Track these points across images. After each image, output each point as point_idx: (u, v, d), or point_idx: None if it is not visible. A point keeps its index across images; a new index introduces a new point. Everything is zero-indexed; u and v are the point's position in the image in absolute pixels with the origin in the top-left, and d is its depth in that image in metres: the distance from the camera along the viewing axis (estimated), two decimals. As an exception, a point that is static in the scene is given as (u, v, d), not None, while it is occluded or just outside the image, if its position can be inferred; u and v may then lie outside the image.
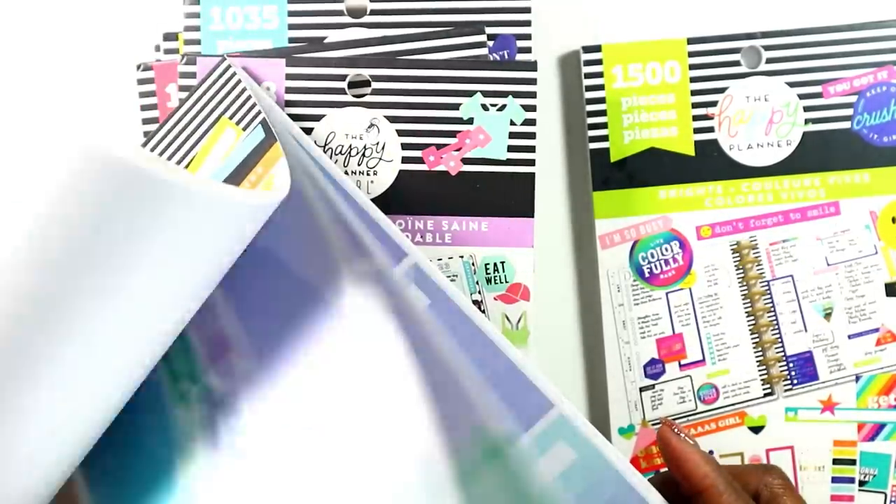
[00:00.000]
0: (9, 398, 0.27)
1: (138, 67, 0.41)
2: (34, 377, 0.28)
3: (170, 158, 0.38)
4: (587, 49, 0.42)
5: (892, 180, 0.42)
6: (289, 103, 0.40)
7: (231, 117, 0.38)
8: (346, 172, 0.40)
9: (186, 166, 0.38)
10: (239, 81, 0.38)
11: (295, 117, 0.39)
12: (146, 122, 0.41)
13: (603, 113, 0.42)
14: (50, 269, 0.26)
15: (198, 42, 0.41)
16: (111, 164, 0.26)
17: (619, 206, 0.42)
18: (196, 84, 0.39)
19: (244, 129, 0.38)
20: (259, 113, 0.37)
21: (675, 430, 0.36)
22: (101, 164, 0.26)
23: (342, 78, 0.40)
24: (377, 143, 0.40)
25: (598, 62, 0.42)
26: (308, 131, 0.40)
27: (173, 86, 0.41)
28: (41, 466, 0.31)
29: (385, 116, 0.40)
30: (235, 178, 0.37)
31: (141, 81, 0.41)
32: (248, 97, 0.38)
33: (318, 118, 0.40)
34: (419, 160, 0.40)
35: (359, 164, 0.40)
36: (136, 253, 0.28)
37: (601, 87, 0.42)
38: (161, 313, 0.31)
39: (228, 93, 0.38)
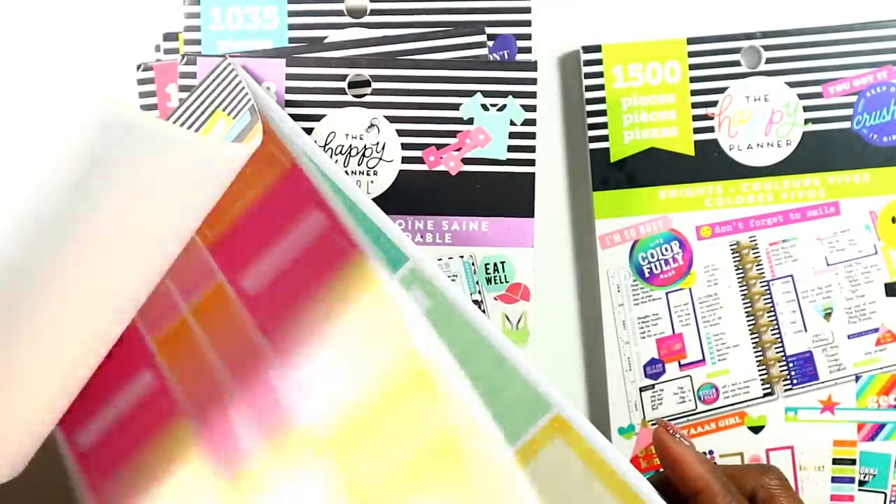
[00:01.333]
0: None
1: (138, 67, 0.41)
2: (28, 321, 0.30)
3: None
4: (587, 49, 0.42)
5: (892, 180, 0.42)
6: (289, 103, 0.40)
7: (224, 109, 0.38)
8: (347, 172, 0.40)
9: None
10: (240, 82, 0.38)
11: (295, 117, 0.39)
12: None
13: (603, 113, 0.42)
14: (43, 214, 0.29)
15: (198, 42, 0.41)
16: (103, 120, 0.29)
17: (618, 206, 0.42)
18: (197, 84, 0.39)
19: (234, 118, 0.38)
20: (249, 100, 0.37)
21: (671, 431, 0.36)
22: (94, 120, 0.29)
23: (342, 78, 0.40)
24: (377, 143, 0.40)
25: (598, 62, 0.42)
26: (308, 131, 0.40)
27: (173, 86, 0.41)
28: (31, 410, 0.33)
29: (385, 116, 0.40)
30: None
31: (141, 81, 0.41)
32: (245, 93, 0.38)
33: (318, 118, 0.40)
34: (419, 160, 0.40)
35: (359, 164, 0.40)
36: (122, 198, 0.30)
37: (601, 87, 0.42)
38: (139, 262, 0.33)
39: (226, 90, 0.38)
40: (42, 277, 0.29)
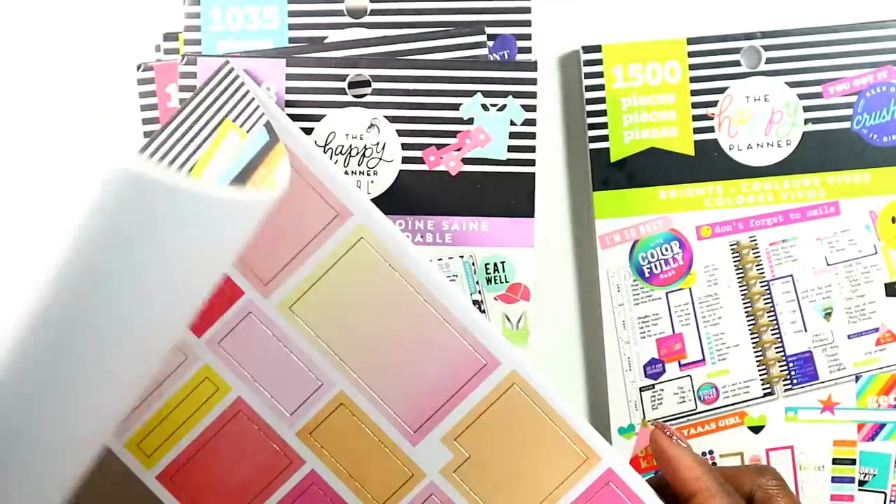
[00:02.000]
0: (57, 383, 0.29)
1: (138, 67, 0.41)
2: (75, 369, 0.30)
3: (173, 161, 0.38)
4: (587, 49, 0.42)
5: (892, 180, 0.42)
6: (289, 103, 0.40)
7: (234, 120, 0.38)
8: (347, 172, 0.40)
9: (191, 169, 0.38)
10: (242, 84, 0.38)
11: (295, 117, 0.39)
12: (146, 122, 0.41)
13: (603, 113, 0.42)
14: (75, 281, 0.28)
15: (198, 42, 0.41)
16: (132, 179, 0.27)
17: (619, 206, 0.42)
18: (198, 87, 0.39)
19: (248, 131, 0.38)
20: (262, 115, 0.37)
21: (668, 432, 0.36)
22: (123, 180, 0.27)
23: (342, 78, 0.40)
24: (377, 143, 0.40)
25: (598, 62, 0.42)
26: (308, 131, 0.40)
27: (173, 86, 0.41)
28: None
29: (385, 116, 0.40)
30: (241, 179, 0.37)
31: (141, 81, 0.41)
32: (252, 100, 0.38)
33: (318, 118, 0.40)
34: (419, 160, 0.40)
35: (359, 164, 0.40)
36: (150, 257, 0.29)
37: (601, 87, 0.42)
38: (170, 311, 0.33)
39: (231, 96, 0.38)
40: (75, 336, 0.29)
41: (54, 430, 0.30)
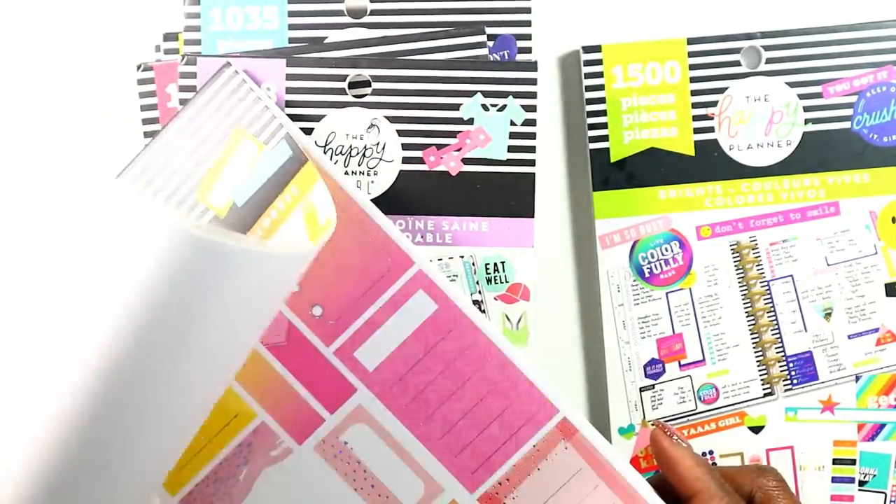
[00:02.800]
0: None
1: (138, 67, 0.41)
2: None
3: (178, 167, 0.38)
4: (587, 49, 0.42)
5: (892, 180, 0.42)
6: (289, 103, 0.40)
7: (248, 130, 0.38)
8: (347, 173, 0.40)
9: (203, 176, 0.38)
10: (249, 90, 0.38)
11: (295, 117, 0.39)
12: (146, 122, 0.41)
13: (603, 113, 0.42)
14: (139, 340, 0.30)
15: (198, 42, 0.41)
16: (193, 242, 0.30)
17: (619, 206, 0.42)
18: (199, 88, 0.39)
19: (264, 142, 0.37)
20: (280, 127, 0.37)
21: (668, 432, 0.36)
22: (184, 242, 0.30)
23: (342, 78, 0.40)
24: (377, 144, 0.40)
25: (598, 62, 0.42)
26: (308, 131, 0.40)
27: (173, 86, 0.41)
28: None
29: (385, 116, 0.40)
30: (266, 194, 0.37)
31: (141, 81, 0.41)
32: (269, 113, 0.37)
33: (318, 118, 0.40)
34: (419, 160, 0.40)
35: (359, 165, 0.40)
36: (212, 311, 0.32)
37: (601, 88, 0.42)
38: (228, 357, 0.35)
39: (239, 103, 0.38)
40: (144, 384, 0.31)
41: (115, 475, 0.32)
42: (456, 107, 0.40)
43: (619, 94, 0.42)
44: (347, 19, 0.41)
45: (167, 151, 0.38)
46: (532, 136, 0.40)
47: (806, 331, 0.43)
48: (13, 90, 0.45)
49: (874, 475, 0.43)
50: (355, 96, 0.40)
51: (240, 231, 0.37)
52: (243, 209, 0.37)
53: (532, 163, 0.40)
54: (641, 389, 0.42)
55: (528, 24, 0.41)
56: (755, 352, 0.43)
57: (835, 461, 0.43)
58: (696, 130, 0.42)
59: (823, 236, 0.42)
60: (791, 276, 0.43)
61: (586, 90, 0.42)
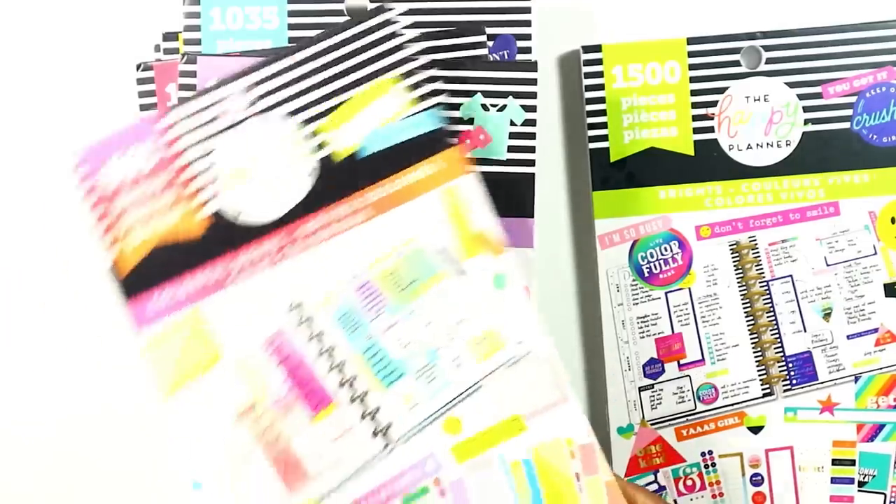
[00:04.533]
0: None
1: (138, 67, 0.42)
2: None
3: (310, 85, 0.37)
4: (587, 49, 0.42)
5: (892, 180, 0.43)
6: None
7: (397, 79, 0.36)
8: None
9: (339, 104, 0.37)
10: (403, 43, 0.37)
11: None
12: None
13: (603, 113, 0.43)
14: None
15: (198, 42, 0.41)
16: None
17: (618, 205, 0.43)
18: (350, 23, 0.37)
19: (413, 100, 0.36)
20: (434, 93, 0.36)
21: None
22: None
23: None
24: None
25: (598, 62, 0.43)
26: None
27: (173, 86, 0.41)
28: None
29: None
30: (395, 156, 0.37)
31: (141, 81, 0.42)
32: (420, 66, 0.36)
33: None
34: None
35: None
36: None
37: (601, 87, 0.43)
38: None
39: (394, 48, 0.37)
40: None
41: None
42: (456, 107, 0.41)
43: (619, 94, 0.43)
44: (347, 19, 0.41)
45: (304, 66, 0.37)
46: (532, 136, 0.41)
47: (805, 331, 0.43)
48: (13, 90, 0.45)
49: (874, 476, 0.43)
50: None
51: (349, 187, 0.36)
52: (367, 161, 0.37)
53: (532, 163, 0.41)
54: (640, 389, 0.43)
55: (528, 24, 0.41)
56: (754, 352, 0.43)
57: (834, 462, 0.43)
58: (696, 130, 0.43)
59: (823, 236, 0.43)
60: (790, 276, 0.43)
61: (586, 90, 0.42)
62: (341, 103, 0.37)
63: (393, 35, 0.37)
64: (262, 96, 0.36)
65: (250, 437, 0.36)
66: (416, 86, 0.36)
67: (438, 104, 0.36)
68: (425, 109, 0.36)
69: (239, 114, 0.37)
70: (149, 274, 0.36)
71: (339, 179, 0.37)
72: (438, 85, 0.37)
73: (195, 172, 0.37)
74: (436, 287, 0.38)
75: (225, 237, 0.37)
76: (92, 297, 0.46)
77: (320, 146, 0.37)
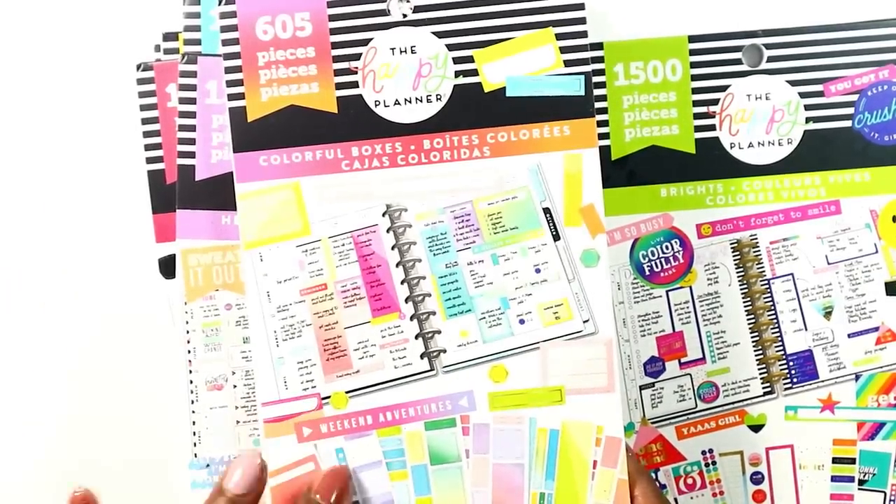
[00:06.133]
0: None
1: (138, 67, 0.42)
2: None
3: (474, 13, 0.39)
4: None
5: (893, 179, 0.43)
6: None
7: (558, 37, 0.39)
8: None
9: (489, 45, 0.39)
10: (580, 4, 0.39)
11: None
12: (145, 121, 0.43)
13: (604, 111, 0.43)
14: None
15: (198, 42, 0.42)
16: None
17: (619, 203, 0.43)
18: None
19: (566, 62, 0.39)
20: (587, 61, 0.38)
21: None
22: None
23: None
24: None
25: (600, 59, 0.43)
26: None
27: (173, 86, 0.42)
28: None
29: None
30: (535, 109, 0.39)
31: (141, 81, 0.43)
32: (583, 31, 0.39)
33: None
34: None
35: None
36: None
37: (602, 85, 0.43)
38: None
39: (561, 6, 0.39)
40: None
41: None
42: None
43: (620, 92, 0.43)
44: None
45: None
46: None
47: (806, 329, 0.44)
48: (13, 90, 0.46)
49: (874, 474, 0.44)
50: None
51: (483, 119, 0.39)
52: (507, 101, 0.39)
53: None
54: (641, 387, 0.44)
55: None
56: (755, 350, 0.44)
57: (834, 460, 0.44)
58: (698, 128, 0.43)
59: (824, 235, 0.43)
60: (791, 274, 0.44)
61: (587, 88, 0.43)
62: (502, 40, 0.39)
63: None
64: (419, 9, 0.39)
65: (308, 315, 0.39)
66: (571, 49, 0.39)
67: (586, 73, 0.38)
68: (573, 74, 0.39)
69: (395, 17, 0.39)
70: (270, 131, 0.39)
71: (478, 109, 0.39)
72: (590, 53, 0.39)
73: (346, 54, 0.39)
74: (530, 242, 0.40)
75: (352, 125, 0.39)
76: (92, 297, 0.47)
77: (468, 73, 0.39)
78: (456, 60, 0.39)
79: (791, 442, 0.44)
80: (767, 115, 0.43)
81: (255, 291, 0.39)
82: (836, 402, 0.44)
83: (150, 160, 0.44)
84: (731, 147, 0.43)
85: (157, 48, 0.43)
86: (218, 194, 0.43)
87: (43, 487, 0.47)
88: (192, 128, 0.42)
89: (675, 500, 0.44)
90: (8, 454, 0.47)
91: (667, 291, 0.44)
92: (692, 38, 0.43)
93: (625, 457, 0.38)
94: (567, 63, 0.39)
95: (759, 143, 0.43)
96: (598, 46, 0.43)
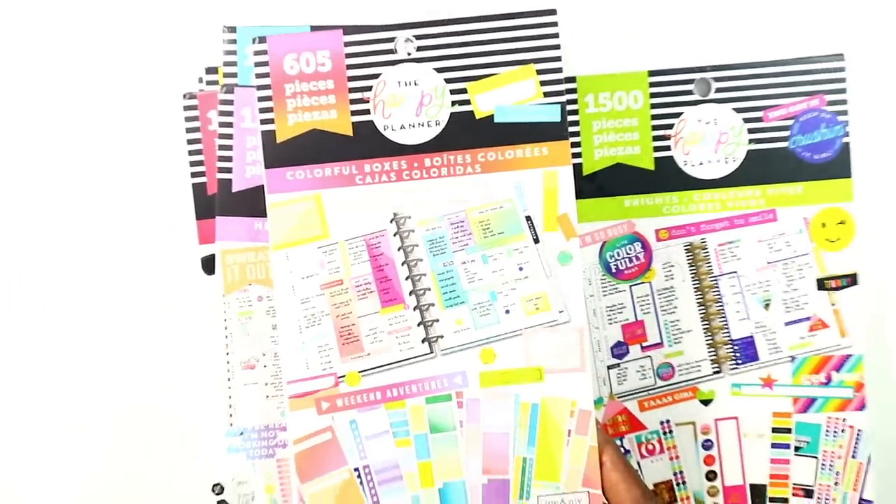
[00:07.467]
0: None
1: (184, 96, 0.45)
2: None
3: (467, 52, 0.40)
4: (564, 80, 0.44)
5: (822, 192, 0.46)
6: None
7: (538, 72, 0.40)
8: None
9: (483, 79, 0.40)
10: (554, 43, 0.40)
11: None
12: (190, 142, 0.45)
13: (577, 134, 0.46)
14: None
15: (235, 75, 0.45)
16: None
17: (590, 212, 0.46)
18: (510, 13, 0.41)
19: (545, 93, 0.40)
20: (563, 93, 0.40)
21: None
22: None
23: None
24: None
25: (574, 91, 0.46)
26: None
27: (214, 112, 0.45)
28: None
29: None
30: (519, 132, 0.40)
31: (186, 108, 0.45)
32: (559, 68, 0.40)
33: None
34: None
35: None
36: None
37: (575, 112, 0.46)
38: None
39: (540, 47, 0.40)
40: None
41: None
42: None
43: (590, 118, 0.46)
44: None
45: (467, 36, 0.41)
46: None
47: (749, 318, 0.46)
48: (84, 115, 0.48)
49: (807, 442, 0.46)
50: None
51: (474, 142, 0.40)
52: (495, 127, 0.40)
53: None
54: (609, 367, 0.46)
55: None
56: (705, 336, 0.46)
57: (773, 430, 0.46)
58: (656, 149, 0.46)
59: (763, 239, 0.46)
60: (736, 272, 0.46)
61: (562, 115, 0.45)
62: (490, 74, 0.41)
63: (548, 34, 0.40)
64: (421, 48, 0.41)
65: (327, 306, 0.40)
66: (549, 82, 0.40)
67: (561, 103, 0.40)
68: (550, 104, 0.40)
69: (401, 55, 0.41)
70: (295, 151, 0.41)
71: (470, 133, 0.41)
72: (565, 86, 0.40)
73: (359, 86, 0.41)
74: (514, 244, 0.41)
75: (364, 145, 0.41)
76: (146, 290, 0.48)
77: (462, 102, 0.41)
78: (452, 92, 0.41)
79: (736, 414, 0.46)
80: (715, 138, 0.46)
81: (282, 286, 0.40)
82: (774, 381, 0.46)
83: (194, 174, 0.46)
84: (685, 164, 0.46)
85: (201, 80, 0.46)
86: (251, 204, 0.44)
87: (108, 442, 0.48)
88: (230, 147, 0.44)
89: (638, 463, 0.46)
90: (80, 413, 0.48)
91: (630, 286, 0.46)
92: (651, 73, 0.46)
93: (595, 427, 0.39)
94: (546, 94, 0.40)
95: (707, 161, 0.46)
96: (572, 80, 0.46)
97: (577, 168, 0.47)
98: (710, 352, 0.47)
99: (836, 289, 0.46)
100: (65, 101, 0.49)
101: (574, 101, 0.47)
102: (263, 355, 0.45)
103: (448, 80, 0.41)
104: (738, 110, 0.46)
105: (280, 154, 0.41)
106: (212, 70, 0.46)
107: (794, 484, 0.46)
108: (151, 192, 0.48)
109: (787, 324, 0.46)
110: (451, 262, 0.41)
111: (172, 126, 0.47)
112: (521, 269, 0.41)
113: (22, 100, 0.49)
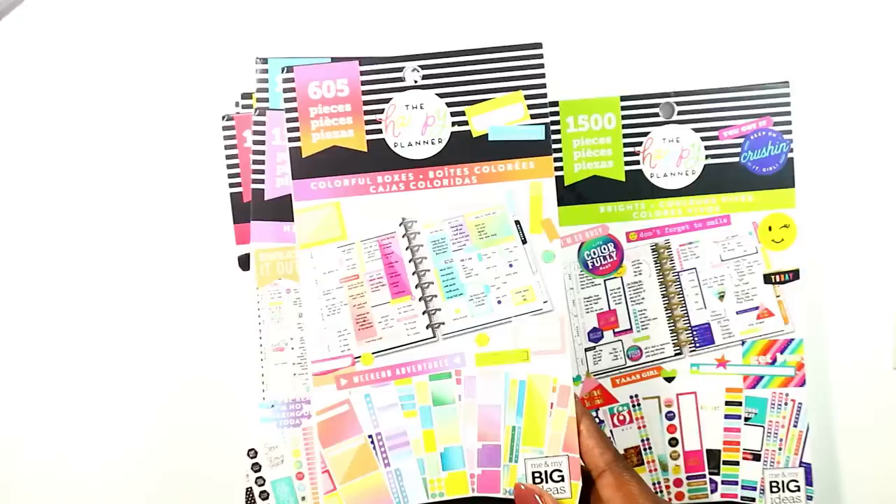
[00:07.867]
0: None
1: (223, 118, 0.49)
2: None
3: (464, 81, 0.43)
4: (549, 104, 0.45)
5: (769, 200, 0.49)
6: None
7: (526, 97, 0.42)
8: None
9: (479, 104, 0.43)
10: (539, 72, 0.42)
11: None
12: (228, 157, 0.49)
13: (559, 150, 0.50)
14: None
15: (267, 100, 0.48)
16: None
17: (570, 217, 0.50)
18: (502, 46, 0.43)
19: (532, 116, 0.42)
20: (547, 115, 0.42)
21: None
22: None
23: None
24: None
25: (557, 113, 0.50)
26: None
27: (248, 132, 0.48)
28: None
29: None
30: (509, 148, 0.42)
31: (225, 128, 0.49)
32: (543, 94, 0.42)
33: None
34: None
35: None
36: None
37: (558, 132, 0.50)
38: None
39: (528, 76, 0.43)
40: None
41: None
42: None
43: (571, 137, 0.50)
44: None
45: (451, 67, 0.43)
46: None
47: (706, 308, 0.50)
48: (136, 137, 0.53)
49: (755, 413, 0.49)
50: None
51: (472, 157, 0.42)
52: (489, 144, 0.43)
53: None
54: (586, 350, 0.50)
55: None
56: (668, 323, 0.50)
57: (727, 403, 0.49)
58: (627, 163, 0.49)
59: (718, 240, 0.50)
60: (695, 268, 0.50)
61: (547, 134, 0.46)
62: (486, 99, 0.43)
63: (535, 65, 0.43)
64: (426, 76, 0.43)
65: (345, 297, 0.43)
66: (535, 106, 0.43)
67: (546, 123, 0.43)
68: (536, 124, 0.43)
69: (409, 82, 0.43)
70: (318, 165, 0.43)
71: (468, 150, 0.43)
72: (549, 109, 0.43)
73: (373, 109, 0.43)
74: (505, 244, 0.43)
75: (377, 160, 0.43)
76: (191, 284, 0.52)
77: (461, 123, 0.43)
78: (452, 114, 0.43)
79: (695, 390, 0.49)
80: (677, 154, 0.49)
81: (307, 280, 0.43)
82: (727, 361, 0.49)
83: (231, 185, 0.49)
84: (651, 176, 0.49)
85: (237, 104, 0.49)
86: (281, 210, 0.47)
87: (165, 410, 0.52)
88: (262, 162, 0.47)
89: (611, 431, 0.50)
90: (142, 384, 0.52)
91: (604, 281, 0.49)
92: (623, 98, 0.49)
93: (573, 400, 0.42)
94: (532, 116, 0.43)
95: (671, 173, 0.49)
96: (555, 104, 0.49)
97: (560, 179, 0.50)
98: (672, 336, 0.50)
99: (781, 282, 0.50)
100: (126, 122, 0.53)
101: (557, 122, 0.50)
102: (291, 339, 0.48)
103: (449, 104, 0.44)
104: (697, 130, 0.50)
105: (305, 167, 0.43)
106: (247, 95, 0.50)
107: (745, 449, 0.49)
108: (196, 199, 0.53)
109: (738, 312, 0.50)
110: (451, 259, 0.43)
111: (214, 144, 0.50)
112: (510, 265, 0.43)
113: (91, 120, 0.53)
